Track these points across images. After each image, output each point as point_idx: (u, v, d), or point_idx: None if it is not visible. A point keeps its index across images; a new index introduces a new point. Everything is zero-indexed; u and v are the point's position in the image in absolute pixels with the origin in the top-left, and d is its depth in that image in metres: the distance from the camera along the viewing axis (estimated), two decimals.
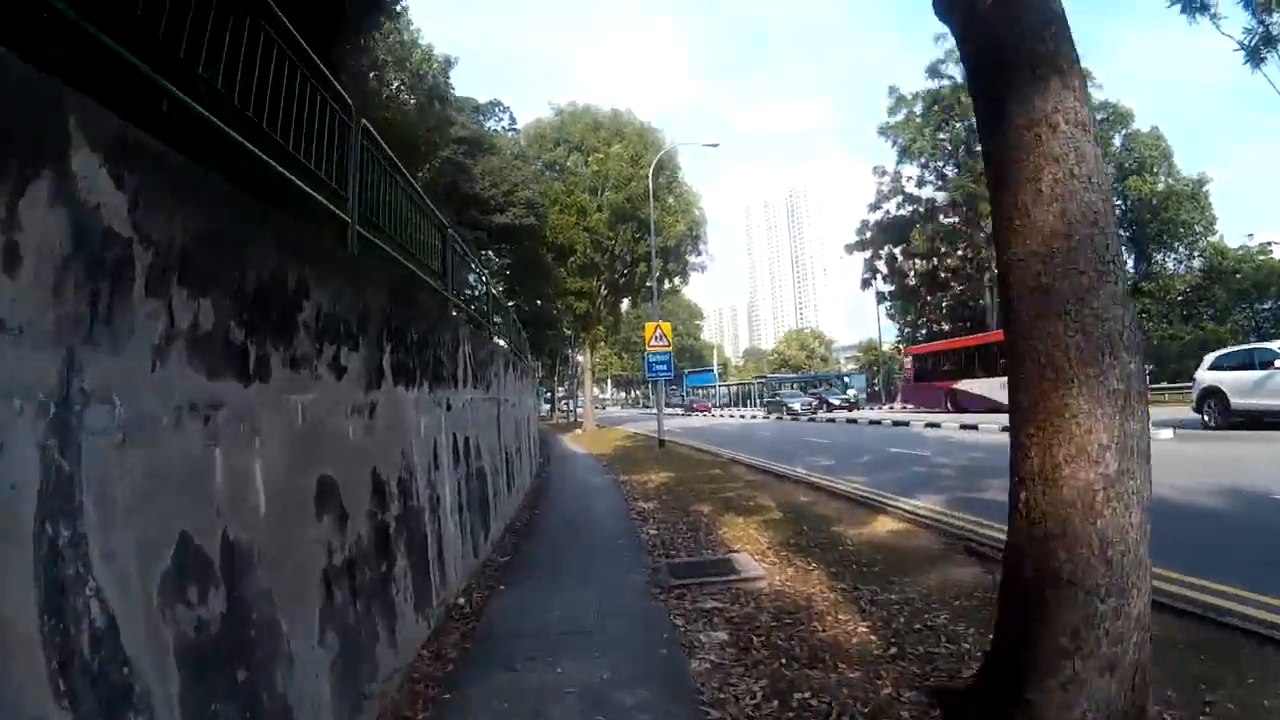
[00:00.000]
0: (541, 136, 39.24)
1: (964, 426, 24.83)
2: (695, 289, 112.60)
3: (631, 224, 37.65)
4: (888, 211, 52.69)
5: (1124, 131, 47.57)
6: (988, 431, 22.88)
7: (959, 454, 17.36)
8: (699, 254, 42.11)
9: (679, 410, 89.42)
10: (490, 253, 40.31)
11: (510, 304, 49.74)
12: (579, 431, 39.79)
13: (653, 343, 24.31)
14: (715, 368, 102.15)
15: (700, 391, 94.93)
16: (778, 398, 53.56)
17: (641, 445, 27.05)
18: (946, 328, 58.14)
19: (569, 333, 42.86)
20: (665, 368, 24.53)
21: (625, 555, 8.46)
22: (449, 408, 7.23)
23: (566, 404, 67.32)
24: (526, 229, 31.86)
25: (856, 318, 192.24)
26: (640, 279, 39.83)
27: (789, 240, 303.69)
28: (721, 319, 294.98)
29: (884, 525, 9.51)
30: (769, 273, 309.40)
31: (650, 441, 28.45)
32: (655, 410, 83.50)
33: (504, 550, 9.29)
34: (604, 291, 40.90)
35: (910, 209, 51.42)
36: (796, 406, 47.83)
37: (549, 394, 75.67)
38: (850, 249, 57.19)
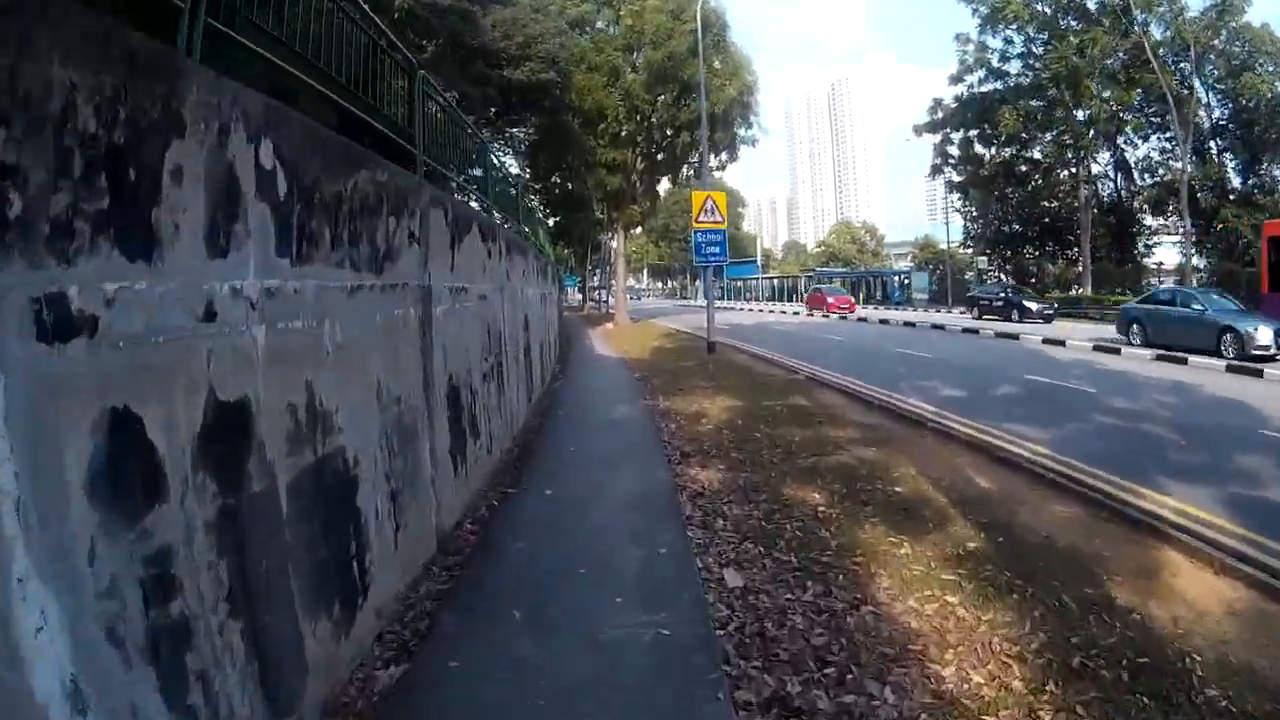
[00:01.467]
0: None
1: (1101, 348, 19.40)
2: (734, 176, 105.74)
3: (672, 87, 31.72)
4: (970, 86, 45.54)
5: (1232, 24, 39.82)
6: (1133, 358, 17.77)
7: (1157, 397, 12.20)
8: (749, 126, 36.07)
9: (717, 303, 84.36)
10: (507, 127, 34.94)
11: (529, 183, 44.84)
12: (610, 326, 34.96)
13: (701, 217, 19.05)
14: (758, 258, 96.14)
15: (740, 283, 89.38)
16: (1001, 296, 34.72)
17: (684, 348, 22.26)
18: (1017, 228, 51.85)
19: (600, 215, 37.46)
20: (718, 250, 19.25)
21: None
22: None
23: (598, 294, 62.27)
24: (546, 87, 26.12)
25: (899, 216, 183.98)
26: (682, 151, 34.10)
27: (830, 134, 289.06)
28: (760, 212, 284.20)
29: (1196, 584, 4.78)
30: (809, 166, 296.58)
31: (695, 342, 23.59)
32: (696, 302, 77.86)
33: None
34: (640, 165, 35.26)
35: (996, 85, 44.32)
36: (1032, 307, 31.16)
37: (580, 282, 70.81)
38: (919, 130, 50.26)
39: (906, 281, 62.24)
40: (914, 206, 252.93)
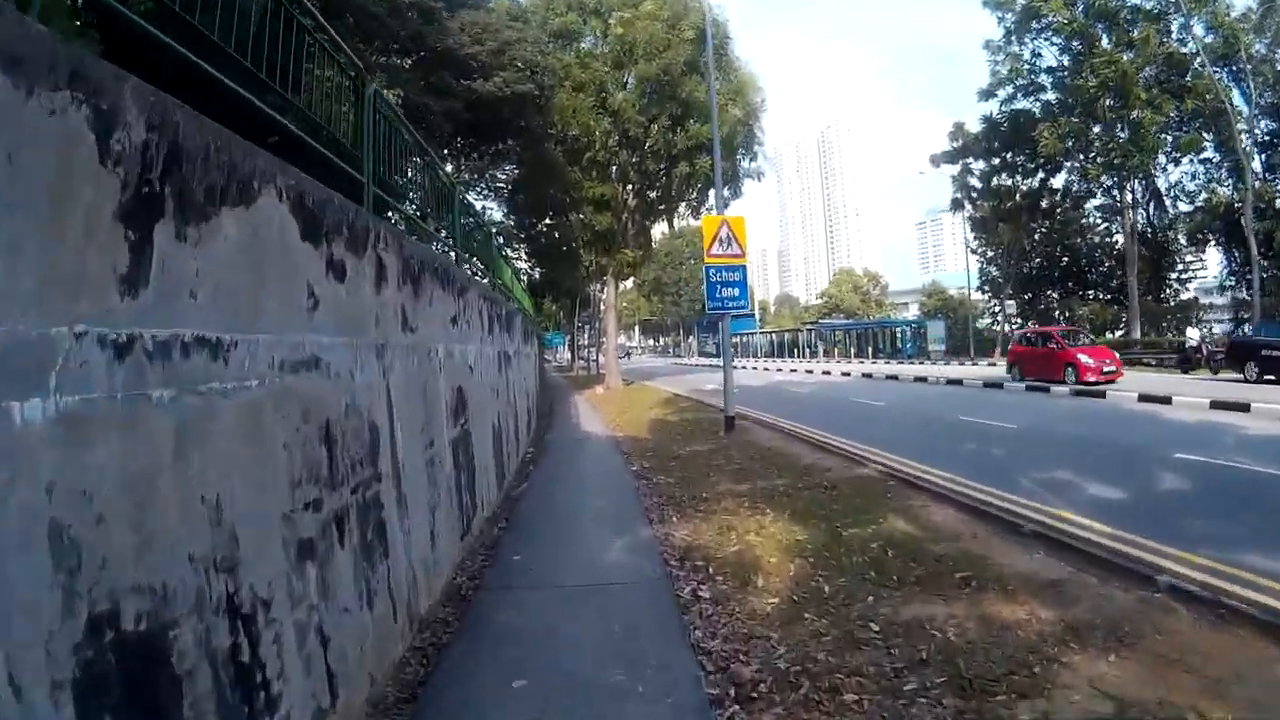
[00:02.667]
0: None
1: (1224, 405, 14.97)
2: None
3: (669, 107, 27.66)
4: (1003, 102, 41.51)
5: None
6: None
7: None
8: (754, 156, 31.95)
9: (713, 361, 79.84)
10: (487, 167, 30.78)
11: (512, 230, 40.52)
12: (599, 390, 30.32)
13: (715, 249, 14.58)
14: (755, 312, 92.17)
15: (736, 339, 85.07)
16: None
17: (692, 422, 17.60)
18: (1040, 267, 47.91)
19: (588, 261, 33.17)
20: (737, 293, 14.65)
21: None
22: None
23: (587, 352, 57.82)
24: (524, 101, 21.89)
25: (892, 265, 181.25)
26: (680, 185, 29.84)
27: (820, 183, 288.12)
28: (751, 264, 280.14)
29: None
30: (800, 216, 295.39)
31: (702, 413, 19.11)
32: (691, 360, 73.61)
33: None
34: (632, 202, 30.99)
35: (1031, 100, 40.45)
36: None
37: (568, 340, 66.51)
38: (936, 161, 46.61)
39: (922, 331, 57.91)
40: (906, 255, 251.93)
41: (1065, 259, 48.12)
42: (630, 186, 30.55)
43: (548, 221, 33.92)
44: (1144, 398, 17.06)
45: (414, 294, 5.23)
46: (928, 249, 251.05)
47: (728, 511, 8.11)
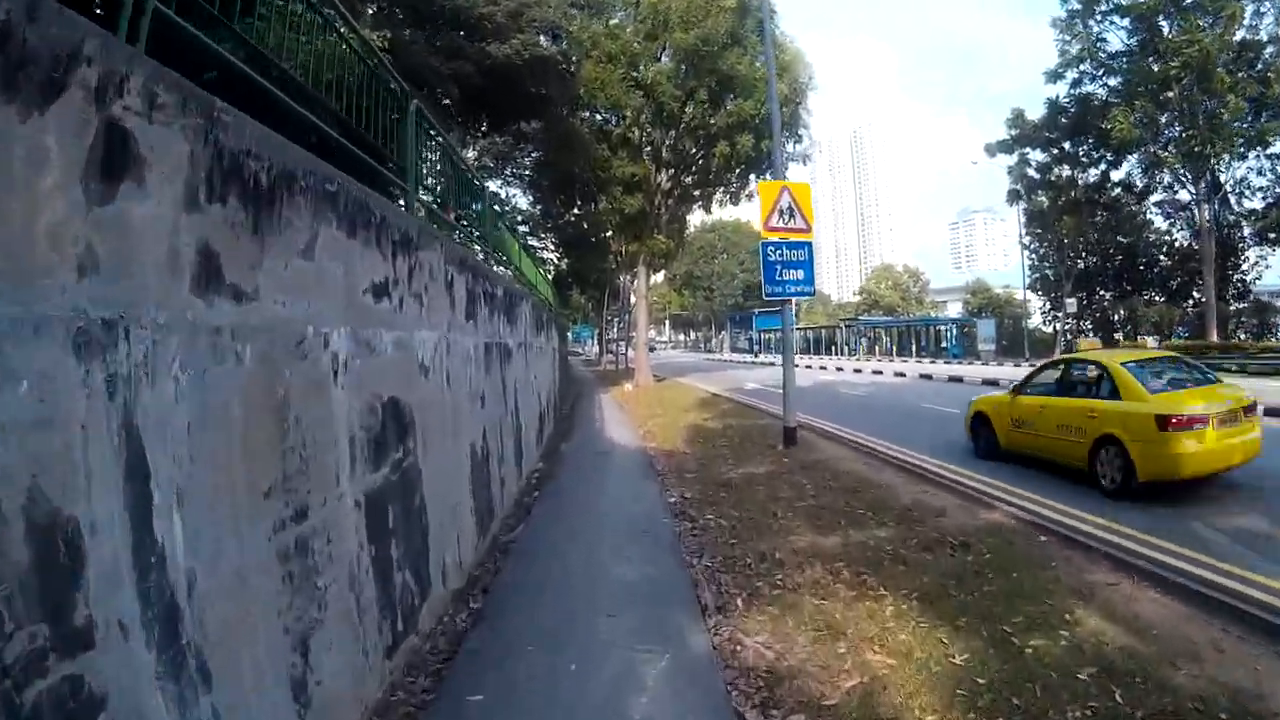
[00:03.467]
0: None
1: None
2: (752, 218, 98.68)
3: (707, 80, 24.84)
4: (1073, 85, 38.12)
5: None
6: None
7: None
8: (799, 139, 28.99)
9: (746, 357, 76.92)
10: (512, 150, 28.23)
11: (538, 219, 37.88)
12: (629, 387, 27.58)
13: (773, 221, 11.81)
14: (792, 308, 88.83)
15: (769, 335, 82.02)
16: None
17: (738, 430, 14.91)
18: (1095, 263, 44.60)
19: (617, 248, 30.41)
20: (803, 275, 11.94)
21: None
22: None
23: (616, 346, 55.08)
24: (541, 68, 19.22)
25: (928, 265, 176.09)
26: (719, 168, 27.03)
27: (853, 181, 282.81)
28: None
29: None
30: (832, 215, 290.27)
31: (747, 417, 16.54)
32: (722, 356, 70.80)
33: None
34: (665, 184, 28.25)
35: (1101, 83, 37.05)
36: None
37: (596, 333, 63.94)
38: (992, 150, 43.27)
39: (970, 330, 54.55)
40: (939, 255, 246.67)
41: (1119, 257, 44.93)
42: (664, 168, 27.78)
43: (575, 209, 31.38)
44: None
45: (249, 219, 2.56)
46: (960, 249, 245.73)
47: (818, 589, 5.43)
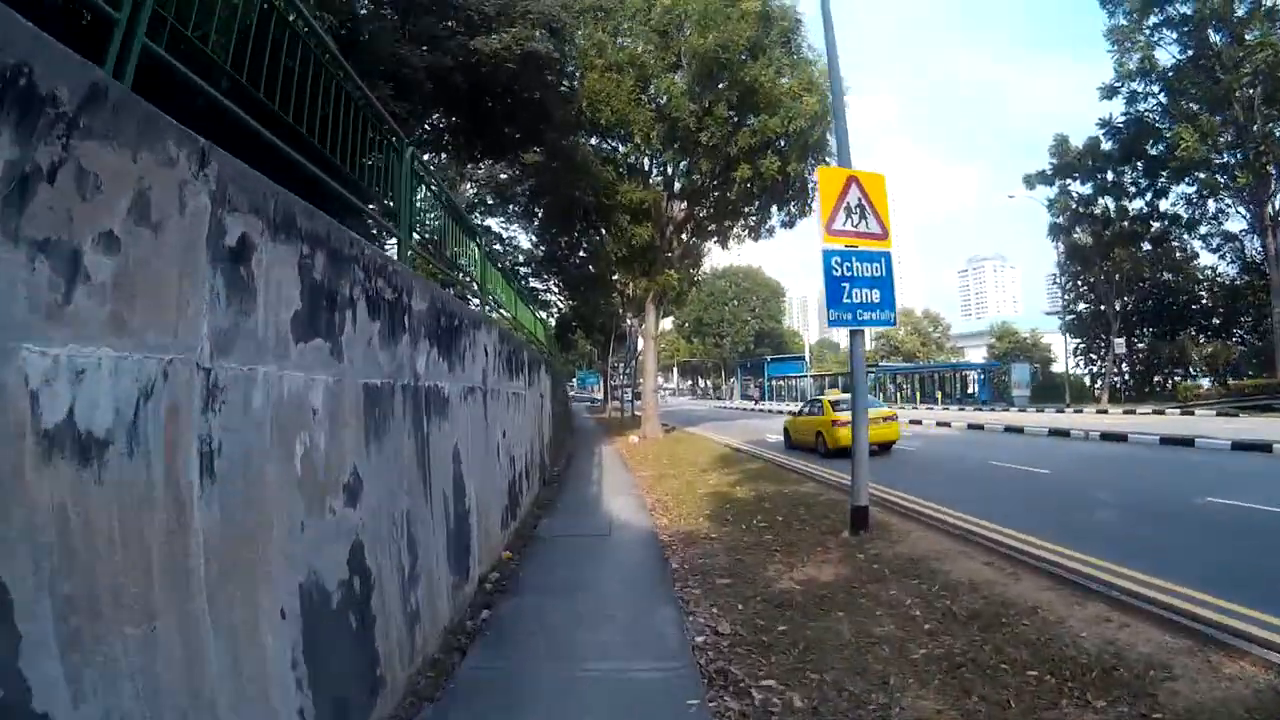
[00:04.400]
0: None
1: None
2: (764, 266, 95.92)
3: (728, 93, 21.97)
4: (1130, 99, 35.11)
5: None
6: None
7: None
8: (826, 164, 25.93)
9: (748, 403, 73.50)
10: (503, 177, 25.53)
11: (539, 260, 34.94)
12: (634, 439, 24.27)
13: (838, 224, 8.60)
14: (805, 355, 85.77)
15: (781, 382, 78.69)
16: None
17: (781, 502, 11.50)
18: (1127, 301, 41.54)
19: (624, 285, 27.36)
20: (877, 298, 8.59)
21: None
22: None
23: (622, 393, 51.81)
24: (535, 67, 16.32)
25: (938, 311, 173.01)
26: (740, 193, 23.95)
27: None
28: (791, 309, 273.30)
29: None
30: None
31: (793, 486, 13.11)
32: (732, 404, 69.16)
33: None
34: (678, 213, 25.26)
35: (1161, 99, 33.98)
36: None
37: (601, 379, 60.87)
38: (1031, 181, 40.41)
39: (1001, 376, 51.14)
40: (948, 302, 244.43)
41: (1154, 294, 42.04)
42: (677, 191, 24.82)
43: (575, 239, 28.38)
44: None
45: None
46: (970, 296, 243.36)
47: None
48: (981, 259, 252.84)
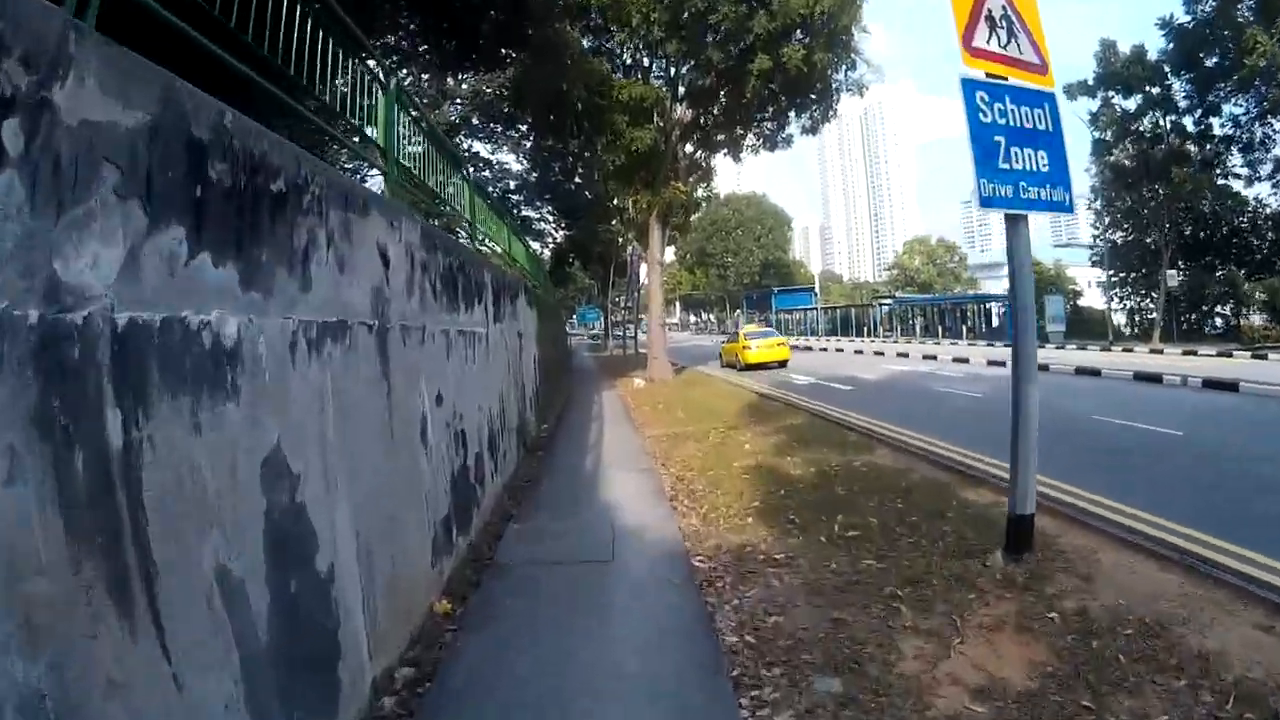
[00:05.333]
0: None
1: None
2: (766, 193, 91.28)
3: None
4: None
5: None
6: None
7: None
8: (851, 64, 21.92)
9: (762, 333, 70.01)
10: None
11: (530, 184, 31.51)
12: (639, 382, 20.89)
13: (979, 39, 5.07)
14: (815, 286, 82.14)
15: (788, 315, 75.23)
16: None
17: (856, 479, 8.25)
18: (1154, 237, 37.90)
19: (620, 200, 23.66)
20: (1045, 163, 5.05)
21: None
22: None
23: (624, 329, 48.39)
24: None
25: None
26: (754, 91, 19.96)
27: (864, 159, 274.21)
28: (794, 236, 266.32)
29: None
30: (843, 193, 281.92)
31: (872, 458, 9.65)
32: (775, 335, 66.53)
33: None
34: (684, 114, 21.47)
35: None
36: None
37: (601, 315, 57.52)
38: (1074, 92, 36.05)
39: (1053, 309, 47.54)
40: (952, 235, 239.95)
41: (1189, 228, 38.37)
42: (682, 88, 21.03)
43: (574, 168, 24.76)
44: None
45: None
46: (974, 229, 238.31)
47: None
48: None
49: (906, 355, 30.13)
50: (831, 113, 22.46)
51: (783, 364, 25.51)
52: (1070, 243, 62.88)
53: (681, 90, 21.27)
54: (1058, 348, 35.61)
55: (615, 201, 24.34)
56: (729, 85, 20.29)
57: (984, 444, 9.21)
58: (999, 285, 77.54)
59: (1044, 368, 21.72)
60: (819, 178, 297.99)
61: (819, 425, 12.05)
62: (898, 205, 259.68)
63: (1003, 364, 23.81)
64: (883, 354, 32.06)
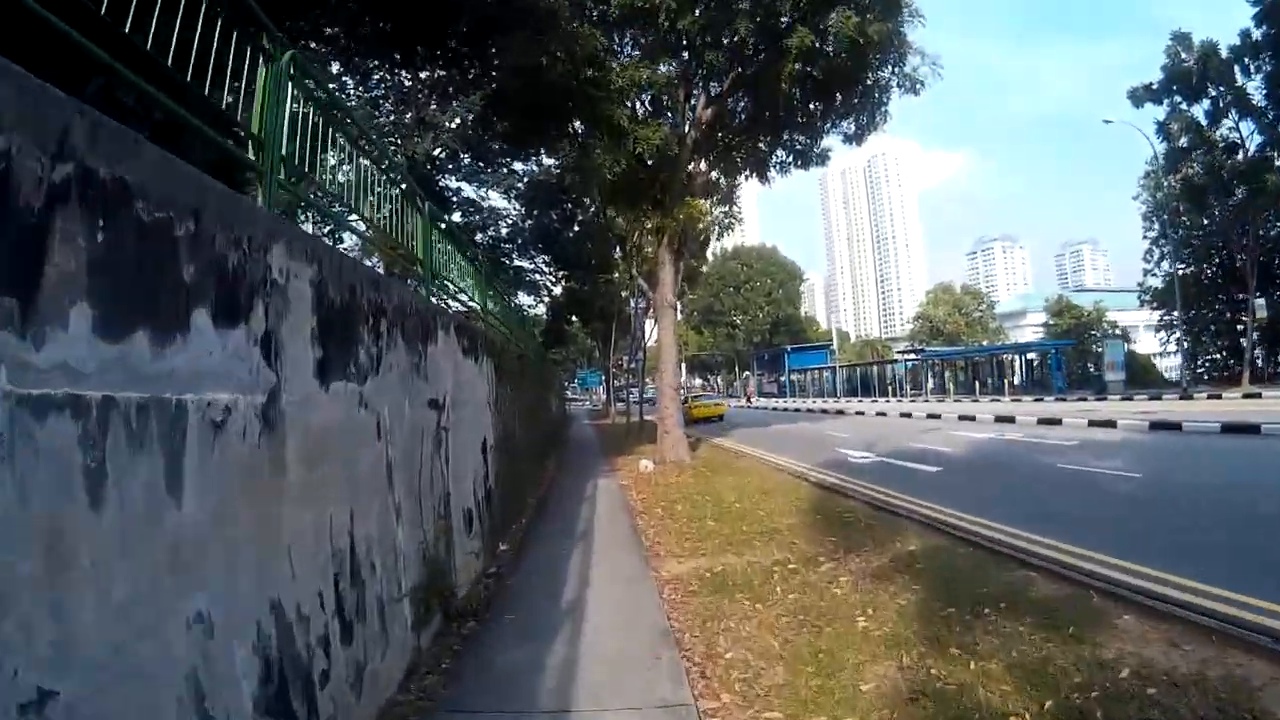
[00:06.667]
0: None
1: None
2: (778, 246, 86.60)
3: None
4: None
5: None
6: None
7: None
8: (900, 60, 17.41)
9: (772, 399, 65.69)
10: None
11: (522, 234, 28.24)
12: (648, 465, 15.63)
13: None
14: (832, 342, 77.41)
15: (800, 376, 70.61)
16: None
17: None
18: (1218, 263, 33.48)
19: (625, 227, 19.05)
20: None
21: None
22: None
23: (627, 394, 43.51)
24: None
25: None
26: (791, 79, 15.18)
27: (869, 213, 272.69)
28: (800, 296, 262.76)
29: None
30: (847, 247, 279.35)
31: (1090, 636, 4.44)
32: (753, 402, 69.58)
33: None
34: (701, 112, 16.66)
35: None
36: None
37: (603, 378, 52.88)
38: (1139, 98, 31.87)
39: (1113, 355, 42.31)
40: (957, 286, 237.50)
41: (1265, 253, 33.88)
42: (702, 74, 16.36)
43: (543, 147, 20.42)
44: None
45: None
46: (979, 279, 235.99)
47: None
48: (990, 240, 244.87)
49: (972, 418, 24.71)
50: (879, 116, 17.81)
51: (720, 418, 36.48)
52: (1095, 288, 58.78)
53: (699, 81, 16.65)
54: (1123, 399, 30.78)
55: (616, 223, 19.71)
56: (760, 71, 15.68)
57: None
58: (1022, 335, 72.99)
59: (1175, 425, 16.87)
60: (822, 231, 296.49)
61: (952, 554, 7.01)
62: (903, 259, 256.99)
63: (1111, 424, 18.77)
64: (938, 416, 26.86)
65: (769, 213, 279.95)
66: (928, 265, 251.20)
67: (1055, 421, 20.47)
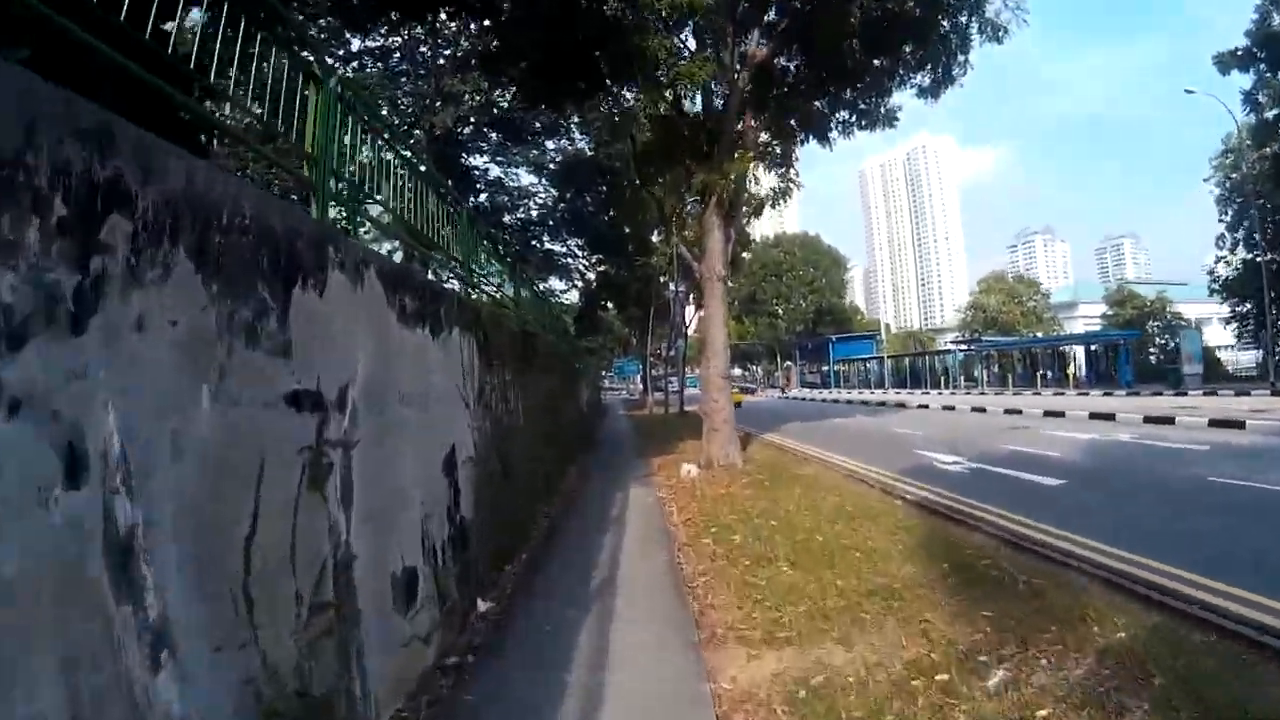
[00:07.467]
0: None
1: None
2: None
3: None
4: None
5: None
6: None
7: None
8: (982, 8, 14.51)
9: (814, 390, 62.87)
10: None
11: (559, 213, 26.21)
12: (691, 470, 12.99)
13: None
14: (878, 332, 74.31)
15: (845, 366, 67.58)
16: None
17: None
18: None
19: (662, 191, 16.52)
20: None
21: None
22: None
23: (666, 383, 41.04)
24: None
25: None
26: (861, 16, 12.48)
27: (909, 204, 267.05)
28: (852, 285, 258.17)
29: None
30: (887, 239, 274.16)
31: None
32: (794, 392, 67.59)
33: None
34: (755, 49, 13.91)
35: None
36: None
37: (641, 367, 50.71)
38: (1227, 64, 28.52)
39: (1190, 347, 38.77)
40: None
41: None
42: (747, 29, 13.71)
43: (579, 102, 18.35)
44: None
45: None
46: (1019, 272, 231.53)
47: None
48: (1032, 233, 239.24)
49: (1061, 414, 21.68)
50: (957, 67, 15.09)
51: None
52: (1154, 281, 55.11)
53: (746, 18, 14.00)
54: (1205, 393, 27.78)
55: (652, 195, 17.18)
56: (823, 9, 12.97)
57: None
58: (1074, 326, 69.32)
59: None
60: (861, 224, 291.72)
61: (1183, 642, 4.36)
62: (943, 251, 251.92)
63: (1232, 425, 15.83)
64: (1018, 412, 23.84)
65: (806, 205, 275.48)
66: (967, 259, 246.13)
67: (1167, 420, 17.51)
